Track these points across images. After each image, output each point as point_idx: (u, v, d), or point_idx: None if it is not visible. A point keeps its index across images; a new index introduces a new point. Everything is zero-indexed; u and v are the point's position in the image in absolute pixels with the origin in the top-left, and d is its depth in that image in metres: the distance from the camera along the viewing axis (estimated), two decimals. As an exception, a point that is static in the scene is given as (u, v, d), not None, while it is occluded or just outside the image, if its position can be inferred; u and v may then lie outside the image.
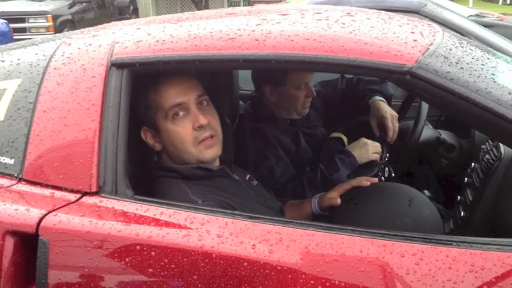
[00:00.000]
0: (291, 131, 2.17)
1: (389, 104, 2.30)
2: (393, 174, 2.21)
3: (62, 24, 10.50)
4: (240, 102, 2.38)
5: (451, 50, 1.33)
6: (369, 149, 2.07)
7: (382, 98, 2.29)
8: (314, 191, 1.93)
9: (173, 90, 1.49)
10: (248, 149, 2.06)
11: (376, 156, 2.08)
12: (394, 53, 1.25)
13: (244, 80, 2.75)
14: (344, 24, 1.37)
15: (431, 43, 1.33)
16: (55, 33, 10.21)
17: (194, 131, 1.49)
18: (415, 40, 1.31)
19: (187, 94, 1.50)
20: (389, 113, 2.19)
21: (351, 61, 1.25)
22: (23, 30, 10.23)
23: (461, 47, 1.41)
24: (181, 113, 1.49)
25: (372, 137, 2.20)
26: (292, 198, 1.98)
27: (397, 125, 2.18)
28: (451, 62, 1.27)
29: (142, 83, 1.47)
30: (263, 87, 2.15)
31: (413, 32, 1.39)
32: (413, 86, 1.25)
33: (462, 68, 1.26)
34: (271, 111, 2.16)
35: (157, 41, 1.37)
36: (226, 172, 1.58)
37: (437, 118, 2.74)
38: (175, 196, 1.40)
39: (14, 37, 9.18)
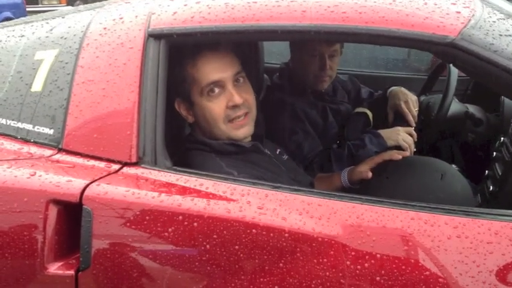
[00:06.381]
0: (318, 105, 2.16)
1: None
2: (415, 149, 2.21)
3: (74, -4, 10.45)
4: (265, 75, 2.37)
5: (494, 22, 1.31)
6: (399, 134, 2.03)
7: (397, 87, 2.29)
8: (341, 166, 1.93)
9: (211, 65, 1.47)
10: (276, 123, 2.05)
11: (404, 145, 2.02)
12: (436, 24, 1.24)
13: (269, 53, 2.73)
14: (384, -6, 1.35)
15: (474, 15, 1.31)
16: (67, 5, 10.19)
17: (227, 109, 1.48)
18: (457, 12, 1.29)
19: (225, 71, 1.48)
20: (403, 99, 2.18)
21: (392, 32, 1.24)
22: (35, 2, 10.21)
23: (503, 19, 1.38)
24: (216, 90, 1.47)
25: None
26: (319, 172, 1.99)
27: (415, 108, 2.17)
28: (494, 34, 1.25)
29: (179, 54, 1.46)
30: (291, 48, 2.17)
31: (454, 4, 1.36)
32: (456, 58, 1.24)
33: (506, 40, 1.24)
34: (300, 84, 2.15)
35: (194, 12, 1.35)
36: (258, 147, 1.58)
37: (463, 92, 2.71)
38: (209, 169, 1.40)
39: (26, 9, 9.17)
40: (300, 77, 2.14)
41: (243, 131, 1.52)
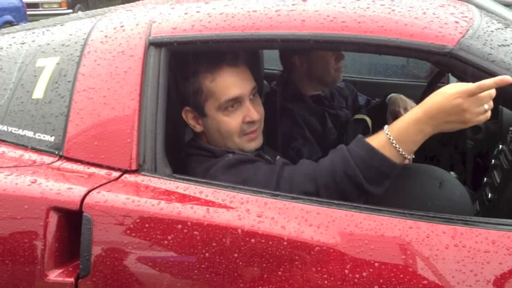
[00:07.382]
0: (317, 111, 2.16)
1: None
2: (413, 156, 2.21)
3: (74, 0, 10.47)
4: (264, 82, 2.37)
5: (492, 32, 1.32)
6: None
7: (397, 94, 2.29)
8: None
9: (231, 81, 1.45)
10: (275, 129, 2.06)
11: None
12: (435, 34, 1.25)
13: (268, 59, 2.74)
14: (383, 4, 1.36)
15: (472, 25, 1.32)
16: (68, 8, 10.22)
17: (243, 124, 1.48)
18: (456, 22, 1.30)
19: (244, 87, 1.47)
20: (403, 105, 2.18)
21: (391, 42, 1.25)
22: (35, 5, 10.25)
23: (501, 29, 1.40)
24: (234, 106, 1.47)
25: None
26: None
27: None
28: (492, 44, 1.26)
29: (195, 66, 1.45)
30: (292, 59, 2.14)
31: (453, 13, 1.37)
32: (454, 68, 1.25)
33: (503, 50, 1.25)
34: (298, 89, 2.16)
35: (194, 21, 1.37)
36: (261, 156, 1.59)
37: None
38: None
39: (27, 12, 9.20)
40: (318, 78, 2.15)
41: (254, 144, 1.54)
